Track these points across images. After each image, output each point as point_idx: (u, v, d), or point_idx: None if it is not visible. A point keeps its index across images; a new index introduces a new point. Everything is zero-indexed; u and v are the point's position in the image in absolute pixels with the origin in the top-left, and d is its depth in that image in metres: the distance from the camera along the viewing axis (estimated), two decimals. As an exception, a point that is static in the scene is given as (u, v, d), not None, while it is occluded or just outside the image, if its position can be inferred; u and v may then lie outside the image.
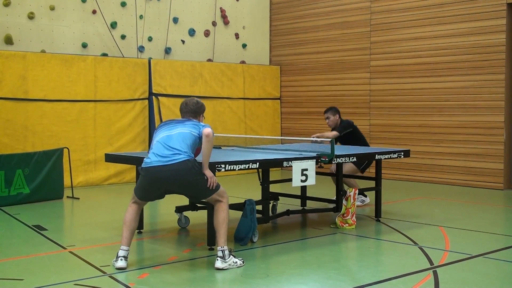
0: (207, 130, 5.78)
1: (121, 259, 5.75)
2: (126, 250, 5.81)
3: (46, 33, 11.52)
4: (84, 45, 11.96)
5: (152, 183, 5.87)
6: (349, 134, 9.03)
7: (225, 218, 5.86)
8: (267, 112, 14.38)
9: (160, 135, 5.94)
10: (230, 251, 5.83)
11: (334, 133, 8.88)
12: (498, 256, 6.24)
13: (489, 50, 11.25)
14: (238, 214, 6.96)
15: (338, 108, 9.41)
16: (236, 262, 5.77)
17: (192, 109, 6.13)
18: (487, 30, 11.27)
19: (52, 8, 11.55)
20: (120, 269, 5.70)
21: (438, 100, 11.90)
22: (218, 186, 5.90)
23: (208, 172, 5.88)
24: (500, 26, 11.12)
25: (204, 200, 6.20)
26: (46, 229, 7.48)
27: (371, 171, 9.00)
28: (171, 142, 5.82)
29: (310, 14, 14.07)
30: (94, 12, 12.07)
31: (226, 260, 5.71)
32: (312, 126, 13.88)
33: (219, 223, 5.84)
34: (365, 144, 9.23)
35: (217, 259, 5.72)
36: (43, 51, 11.34)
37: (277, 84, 14.62)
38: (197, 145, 5.94)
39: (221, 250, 5.74)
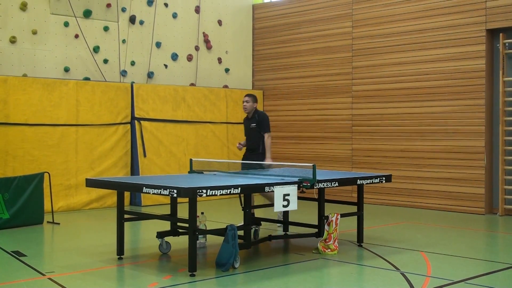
0: None
1: None
2: None
3: (28, 57, 11.49)
4: (67, 69, 11.94)
5: None
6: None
7: None
8: (250, 136, 14.35)
9: None
10: None
11: (268, 135, 9.12)
12: (480, 281, 6.25)
13: (469, 76, 11.39)
14: (220, 239, 6.92)
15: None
16: None
17: None
18: (467, 56, 11.42)
19: (34, 32, 11.54)
20: None
21: (419, 125, 12.00)
22: None
23: None
24: (479, 52, 11.27)
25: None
26: (25, 255, 7.38)
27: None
28: None
29: (293, 39, 14.18)
30: (76, 36, 12.07)
31: None
32: (295, 150, 13.92)
33: None
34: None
35: None
36: (24, 75, 11.30)
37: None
38: None
39: None
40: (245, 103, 9.29)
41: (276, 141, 14.36)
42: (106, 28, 12.49)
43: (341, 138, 13.17)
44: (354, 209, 8.13)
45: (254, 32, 15.01)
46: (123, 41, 12.75)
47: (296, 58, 14.09)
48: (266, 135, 9.15)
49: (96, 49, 12.33)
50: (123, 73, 12.73)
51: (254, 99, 9.33)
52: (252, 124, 9.25)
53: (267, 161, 9.07)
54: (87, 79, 12.11)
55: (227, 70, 14.52)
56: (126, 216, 7.34)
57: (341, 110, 13.23)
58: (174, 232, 7.56)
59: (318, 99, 13.64)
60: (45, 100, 11.19)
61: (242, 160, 9.34)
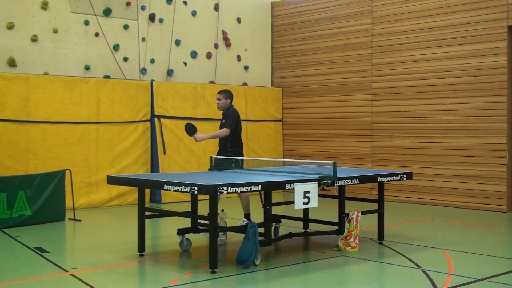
0: None
1: None
2: None
3: (49, 56, 11.58)
4: (87, 68, 12.02)
5: None
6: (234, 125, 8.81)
7: None
8: (269, 134, 14.39)
9: None
10: None
11: (225, 130, 8.61)
12: (503, 280, 6.19)
13: (491, 72, 11.28)
14: (240, 236, 6.94)
15: (233, 94, 8.97)
16: None
17: None
18: (488, 52, 11.31)
19: (55, 31, 11.63)
20: None
21: (440, 122, 11.91)
22: None
23: None
24: (501, 48, 11.16)
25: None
26: (47, 252, 7.45)
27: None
28: None
29: (312, 36, 14.14)
30: (97, 34, 12.14)
31: None
32: (315, 147, 13.89)
33: None
34: (239, 140, 8.87)
35: None
36: (46, 74, 11.39)
37: (279, 106, 14.65)
38: None
39: None
40: (217, 101, 8.84)
41: (296, 139, 14.35)
42: (126, 27, 12.54)
43: (361, 135, 13.12)
44: (374, 206, 8.10)
45: (273, 30, 14.99)
46: (143, 39, 12.80)
47: (316, 55, 14.05)
48: (225, 128, 8.60)
49: (116, 47, 12.39)
50: (143, 71, 12.78)
51: (227, 95, 8.84)
52: (223, 121, 8.82)
53: (198, 136, 8.55)
54: (107, 77, 12.18)
55: (246, 68, 14.52)
56: (146, 213, 7.36)
57: (361, 107, 13.18)
58: (194, 229, 7.58)
59: (338, 96, 13.59)
60: (66, 98, 11.28)
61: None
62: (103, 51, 12.26)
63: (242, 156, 8.84)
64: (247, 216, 8.73)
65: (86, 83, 11.55)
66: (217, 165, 8.51)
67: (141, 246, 7.25)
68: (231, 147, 8.74)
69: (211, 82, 13.82)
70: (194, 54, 13.58)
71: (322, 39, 13.96)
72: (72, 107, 11.35)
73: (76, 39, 11.93)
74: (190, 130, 8.62)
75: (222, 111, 8.94)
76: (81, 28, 11.99)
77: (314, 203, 6.80)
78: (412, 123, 12.31)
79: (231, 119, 8.71)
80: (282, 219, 8.41)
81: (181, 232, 7.50)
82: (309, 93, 14.18)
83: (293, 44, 14.56)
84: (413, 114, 12.30)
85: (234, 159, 8.62)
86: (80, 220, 9.92)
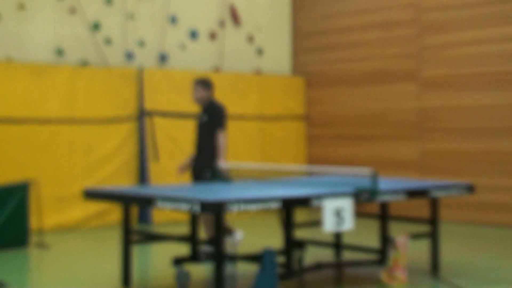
0: None
1: None
2: None
3: (13, 38, 11.57)
4: (60, 52, 11.98)
5: None
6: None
7: None
8: (289, 135, 14.39)
9: None
10: None
11: (222, 134, 8.66)
12: None
13: None
14: (254, 267, 6.90)
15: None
16: None
17: None
18: None
19: (21, 7, 11.58)
20: None
21: (509, 119, 11.74)
22: None
23: None
24: None
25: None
26: (5, 286, 7.35)
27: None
28: None
29: (344, 12, 14.13)
30: (72, 11, 12.09)
31: None
32: (348, 152, 13.83)
33: None
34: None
35: None
36: (8, 59, 11.37)
37: (302, 100, 14.63)
38: None
39: None
40: (194, 93, 8.92)
41: (324, 141, 14.27)
42: (109, 1, 12.53)
43: (407, 136, 13.06)
44: (426, 228, 8.04)
45: (295, 3, 14.96)
46: (130, 16, 12.73)
47: (348, 36, 14.05)
48: (218, 132, 8.67)
49: (96, 27, 12.34)
50: (130, 55, 12.73)
51: (205, 86, 8.91)
52: (204, 118, 8.87)
53: (220, 165, 8.58)
54: (84, 63, 12.15)
55: (260, 51, 14.45)
56: (133, 236, 7.41)
57: (406, 102, 13.11)
58: (194, 257, 7.55)
59: (377, 88, 13.56)
60: (33, 90, 11.32)
61: (192, 167, 8.97)
62: (79, 31, 12.24)
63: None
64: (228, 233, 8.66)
65: (58, 71, 11.60)
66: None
67: (126, 279, 7.25)
68: (211, 151, 8.78)
69: (216, 69, 13.73)
70: (194, 34, 13.53)
71: (356, 15, 13.91)
72: (40, 101, 11.38)
73: (47, 17, 11.92)
74: (214, 178, 8.62)
75: (201, 105, 9.01)
76: (53, 4, 11.97)
77: (349, 224, 6.75)
78: (473, 121, 12.20)
79: (219, 117, 8.79)
80: (307, 245, 8.29)
81: (178, 261, 7.46)
82: (340, 83, 14.15)
83: (319, 21, 14.52)
84: (474, 109, 12.23)
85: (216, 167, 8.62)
86: (48, 246, 9.90)
